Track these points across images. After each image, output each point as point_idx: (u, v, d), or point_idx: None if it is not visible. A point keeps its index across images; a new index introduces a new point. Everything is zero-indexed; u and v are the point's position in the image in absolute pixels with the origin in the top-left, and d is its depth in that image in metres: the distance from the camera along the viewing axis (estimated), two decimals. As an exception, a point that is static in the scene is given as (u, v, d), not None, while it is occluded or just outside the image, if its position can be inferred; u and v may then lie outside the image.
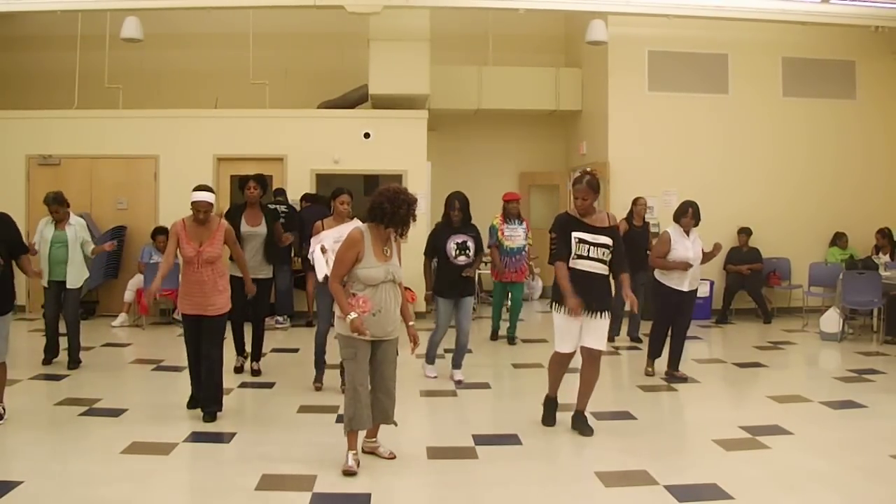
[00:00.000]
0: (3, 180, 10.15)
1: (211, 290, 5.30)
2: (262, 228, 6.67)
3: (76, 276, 6.98)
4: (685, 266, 6.54)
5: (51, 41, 11.09)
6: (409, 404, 5.97)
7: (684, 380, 6.66)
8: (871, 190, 10.90)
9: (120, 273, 10.05)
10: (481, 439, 5.06)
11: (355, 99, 11.01)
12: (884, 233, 10.33)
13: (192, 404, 5.58)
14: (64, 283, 6.94)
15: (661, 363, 6.88)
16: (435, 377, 6.68)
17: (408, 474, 4.48)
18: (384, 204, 4.30)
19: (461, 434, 5.19)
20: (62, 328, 7.09)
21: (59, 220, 6.93)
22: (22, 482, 4.14)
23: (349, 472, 4.33)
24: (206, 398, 5.40)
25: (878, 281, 8.77)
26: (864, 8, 9.85)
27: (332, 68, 11.39)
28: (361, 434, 4.55)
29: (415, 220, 4.41)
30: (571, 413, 5.28)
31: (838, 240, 10.66)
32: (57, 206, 6.88)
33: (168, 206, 9.90)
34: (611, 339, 8.25)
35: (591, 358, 5.15)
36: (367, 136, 10.41)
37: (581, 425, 5.17)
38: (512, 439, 5.08)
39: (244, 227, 6.61)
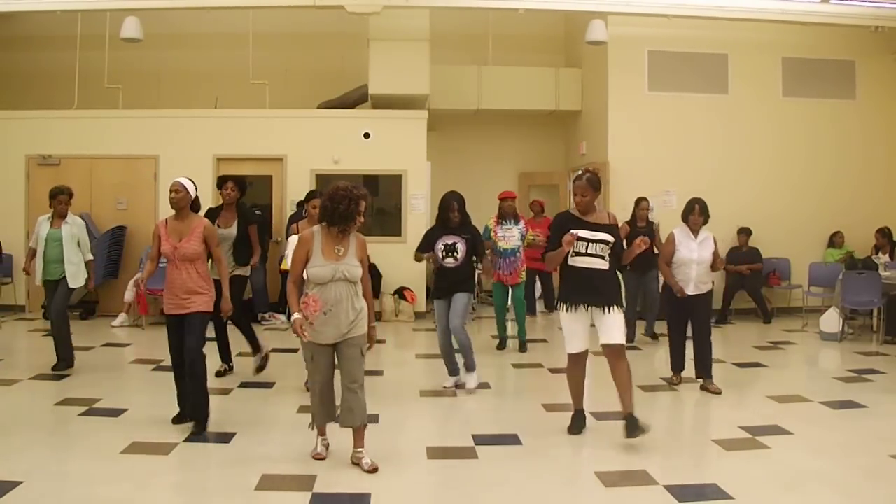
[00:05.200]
0: (3, 180, 10.16)
1: (193, 289, 5.11)
2: (233, 230, 6.54)
3: (75, 274, 6.76)
4: (680, 291, 6.30)
5: (51, 41, 11.09)
6: (408, 404, 6.00)
7: (719, 393, 6.27)
8: (871, 190, 10.90)
9: (120, 273, 10.05)
10: (481, 439, 5.06)
11: (355, 99, 11.02)
12: (883, 232, 10.34)
13: (177, 419, 5.26)
14: (57, 281, 6.73)
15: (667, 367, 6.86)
16: (450, 387, 6.38)
17: (408, 474, 4.48)
18: (325, 202, 4.40)
19: (461, 434, 5.19)
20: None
21: (59, 216, 6.76)
22: (22, 482, 4.14)
23: (318, 457, 4.57)
24: (193, 408, 5.16)
25: (877, 281, 8.77)
26: (864, 8, 9.84)
27: (332, 68, 11.41)
28: (334, 426, 4.60)
29: (360, 215, 4.40)
30: (570, 413, 5.28)
31: (834, 237, 10.68)
32: (67, 197, 6.76)
33: (168, 206, 9.81)
34: (629, 340, 7.96)
35: (613, 353, 4.95)
36: (366, 136, 10.43)
37: (633, 429, 4.80)
38: (512, 439, 5.08)
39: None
